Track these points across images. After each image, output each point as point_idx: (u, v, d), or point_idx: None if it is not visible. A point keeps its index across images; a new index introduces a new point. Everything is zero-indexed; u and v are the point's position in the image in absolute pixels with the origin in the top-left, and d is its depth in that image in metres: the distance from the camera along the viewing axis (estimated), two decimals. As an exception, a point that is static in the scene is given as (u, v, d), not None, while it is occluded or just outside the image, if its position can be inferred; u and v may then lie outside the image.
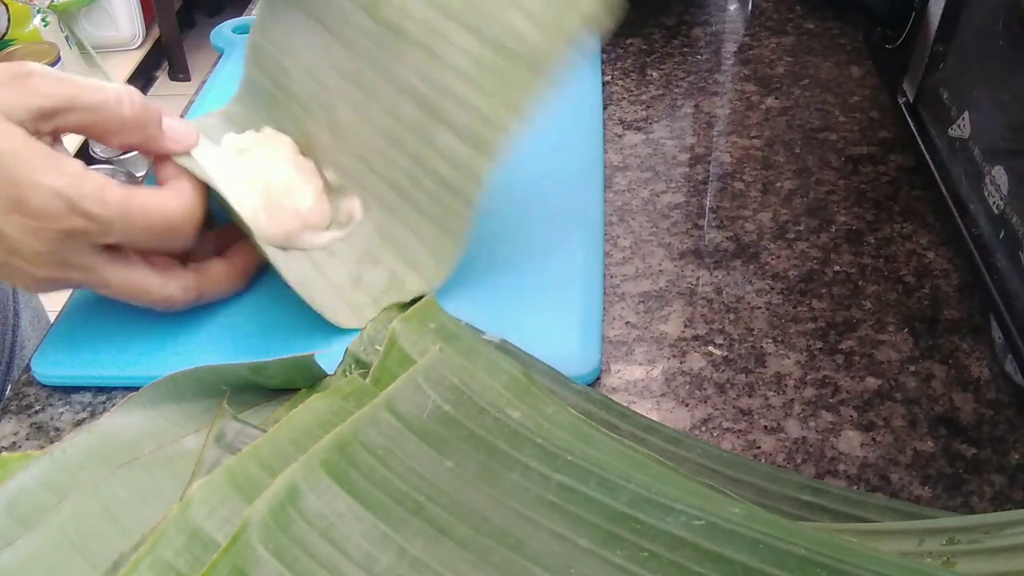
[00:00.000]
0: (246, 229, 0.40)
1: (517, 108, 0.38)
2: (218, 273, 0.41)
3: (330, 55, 0.44)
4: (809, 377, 0.38)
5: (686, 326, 0.40)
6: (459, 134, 0.39)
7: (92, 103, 0.37)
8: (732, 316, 0.41)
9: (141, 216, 0.37)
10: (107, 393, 0.39)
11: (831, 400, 0.37)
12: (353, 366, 0.37)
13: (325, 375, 0.37)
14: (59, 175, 0.35)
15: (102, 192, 0.35)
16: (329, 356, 0.37)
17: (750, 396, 0.37)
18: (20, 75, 0.35)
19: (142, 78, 2.11)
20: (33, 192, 0.34)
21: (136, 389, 0.36)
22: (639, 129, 0.54)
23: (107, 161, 1.75)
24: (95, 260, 0.36)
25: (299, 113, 0.46)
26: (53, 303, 0.69)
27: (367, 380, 0.35)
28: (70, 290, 0.43)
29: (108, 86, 0.38)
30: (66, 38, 1.80)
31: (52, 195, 0.34)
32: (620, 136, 0.53)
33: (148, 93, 2.15)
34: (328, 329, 0.40)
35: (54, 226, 0.35)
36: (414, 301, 0.39)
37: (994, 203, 0.37)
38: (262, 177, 0.42)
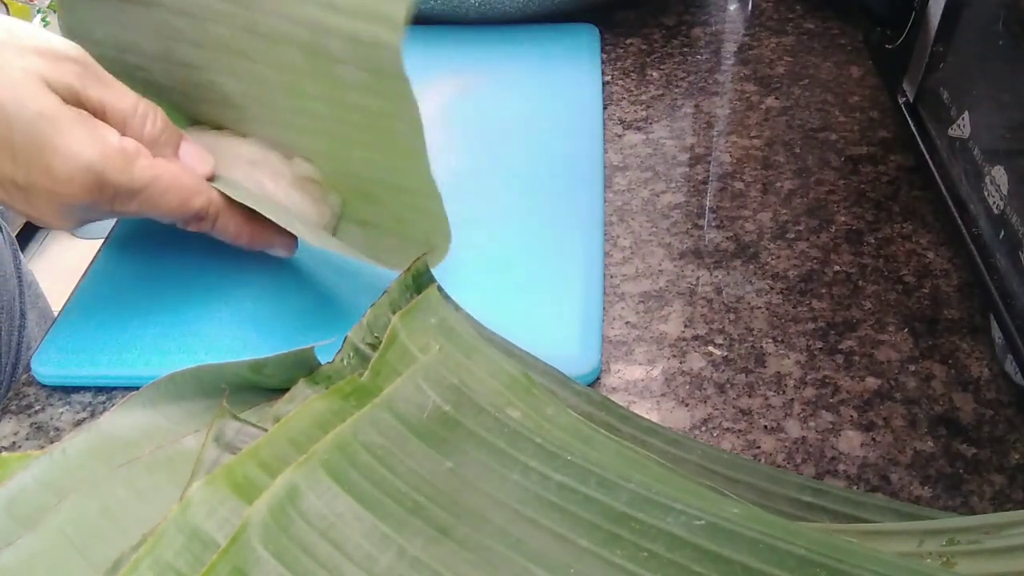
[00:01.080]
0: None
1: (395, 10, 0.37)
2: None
3: (169, 31, 0.42)
4: (809, 377, 0.38)
5: (686, 326, 0.40)
6: (357, 57, 0.39)
7: (120, 110, 0.37)
8: (732, 316, 0.41)
9: (163, 189, 0.38)
10: (107, 393, 0.39)
11: (831, 400, 0.37)
12: (352, 355, 0.37)
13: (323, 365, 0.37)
14: (91, 145, 0.35)
15: (132, 166, 0.36)
16: (328, 350, 0.37)
17: (750, 396, 0.37)
18: (69, 56, 0.36)
19: (142, 78, 2.11)
20: (63, 161, 0.35)
21: (136, 389, 0.36)
22: (639, 129, 0.54)
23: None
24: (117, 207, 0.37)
25: (179, 100, 0.45)
26: (52, 304, 0.69)
27: (366, 372, 0.35)
28: (70, 289, 0.43)
29: (137, 99, 0.38)
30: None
31: (83, 168, 0.35)
32: (620, 136, 0.53)
33: (148, 93, 2.14)
34: (328, 326, 0.40)
35: (79, 195, 0.35)
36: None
37: (994, 203, 0.37)
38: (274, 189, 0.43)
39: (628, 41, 0.62)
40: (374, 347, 0.37)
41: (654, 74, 0.59)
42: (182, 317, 0.41)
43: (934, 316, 0.40)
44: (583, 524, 0.28)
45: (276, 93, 0.41)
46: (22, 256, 0.65)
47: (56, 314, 0.67)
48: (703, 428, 0.36)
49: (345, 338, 0.38)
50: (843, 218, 0.46)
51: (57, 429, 0.37)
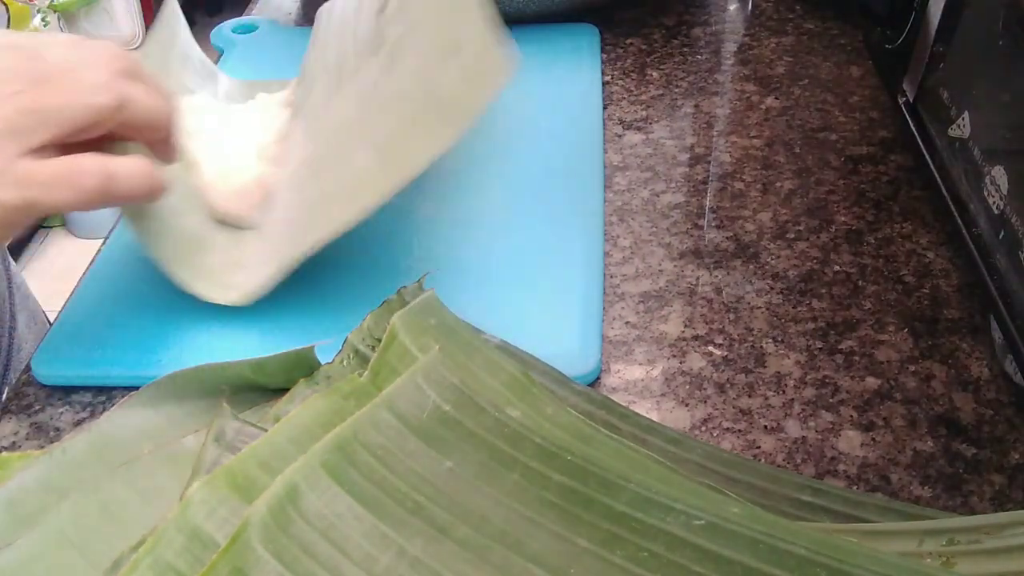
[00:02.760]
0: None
1: (419, 151, 0.38)
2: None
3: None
4: (809, 377, 0.38)
5: (686, 326, 0.40)
6: (371, 153, 0.39)
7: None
8: (732, 316, 0.41)
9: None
10: (107, 393, 0.39)
11: (831, 400, 0.37)
12: (352, 356, 0.37)
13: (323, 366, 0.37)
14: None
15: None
16: (328, 350, 0.37)
17: (750, 396, 0.37)
18: (116, 56, 0.36)
19: (142, 78, 2.11)
20: None
21: (136, 389, 0.36)
22: (639, 129, 0.54)
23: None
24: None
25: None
26: (52, 304, 0.69)
27: (366, 372, 0.35)
28: (69, 289, 0.43)
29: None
30: (66, 38, 1.80)
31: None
32: (620, 136, 0.53)
33: (148, 93, 2.15)
34: (328, 326, 0.40)
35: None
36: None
37: (994, 203, 0.37)
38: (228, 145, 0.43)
39: (628, 41, 0.62)
40: (374, 349, 0.37)
41: (654, 74, 0.59)
42: (182, 317, 0.41)
43: (934, 316, 0.40)
44: (583, 524, 0.28)
45: (330, 117, 0.44)
46: (11, 258, 0.65)
47: (47, 315, 0.67)
48: (703, 428, 0.36)
49: (345, 339, 0.38)
50: (843, 218, 0.46)
51: (57, 429, 0.37)
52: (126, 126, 0.35)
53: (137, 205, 0.39)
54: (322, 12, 0.53)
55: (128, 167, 0.35)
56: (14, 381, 0.40)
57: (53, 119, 0.33)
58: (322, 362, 0.37)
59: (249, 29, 0.62)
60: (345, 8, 0.50)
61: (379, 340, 0.37)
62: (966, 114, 0.40)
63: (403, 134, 0.39)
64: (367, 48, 0.44)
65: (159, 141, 0.38)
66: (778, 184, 0.49)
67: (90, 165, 0.34)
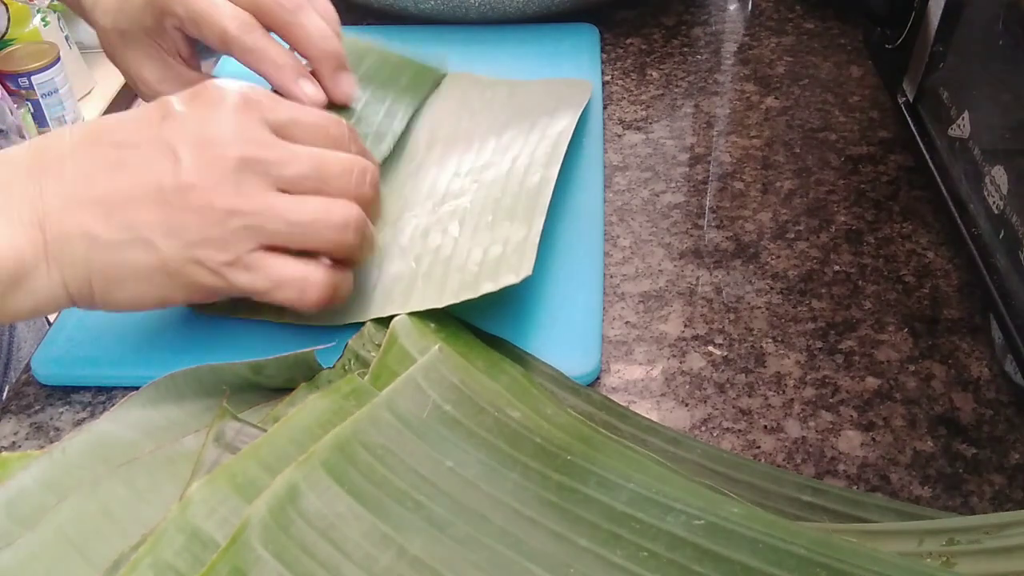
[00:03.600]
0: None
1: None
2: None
3: None
4: (809, 377, 0.38)
5: (686, 326, 0.40)
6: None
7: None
8: (732, 316, 0.41)
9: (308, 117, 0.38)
10: (107, 393, 0.39)
11: (831, 400, 0.37)
12: (352, 361, 0.37)
13: (324, 370, 0.37)
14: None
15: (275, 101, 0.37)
16: (329, 353, 0.37)
17: (750, 396, 0.37)
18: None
19: (142, 78, 2.10)
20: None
21: (136, 389, 0.36)
22: (639, 129, 0.54)
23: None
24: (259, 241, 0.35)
25: None
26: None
27: (367, 377, 0.35)
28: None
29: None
30: (66, 38, 1.80)
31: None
32: (620, 136, 0.53)
33: (148, 93, 2.14)
34: (328, 327, 0.40)
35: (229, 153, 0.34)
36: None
37: (994, 203, 0.37)
38: None
39: (628, 41, 0.62)
40: (375, 354, 0.37)
41: (654, 74, 0.59)
42: (182, 317, 0.41)
43: (934, 316, 0.40)
44: (583, 524, 0.28)
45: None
46: None
47: (48, 315, 0.67)
48: (703, 428, 0.36)
49: (346, 345, 0.38)
50: (843, 218, 0.46)
51: (57, 429, 0.37)
52: (347, 259, 0.37)
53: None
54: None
55: (345, 289, 0.37)
56: (14, 381, 0.40)
57: (299, 234, 0.35)
58: (323, 366, 0.37)
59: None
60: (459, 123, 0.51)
61: (379, 345, 0.37)
62: (966, 114, 0.40)
63: (416, 277, 0.40)
64: (436, 193, 0.45)
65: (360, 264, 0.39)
66: (778, 184, 0.49)
67: (320, 276, 0.36)
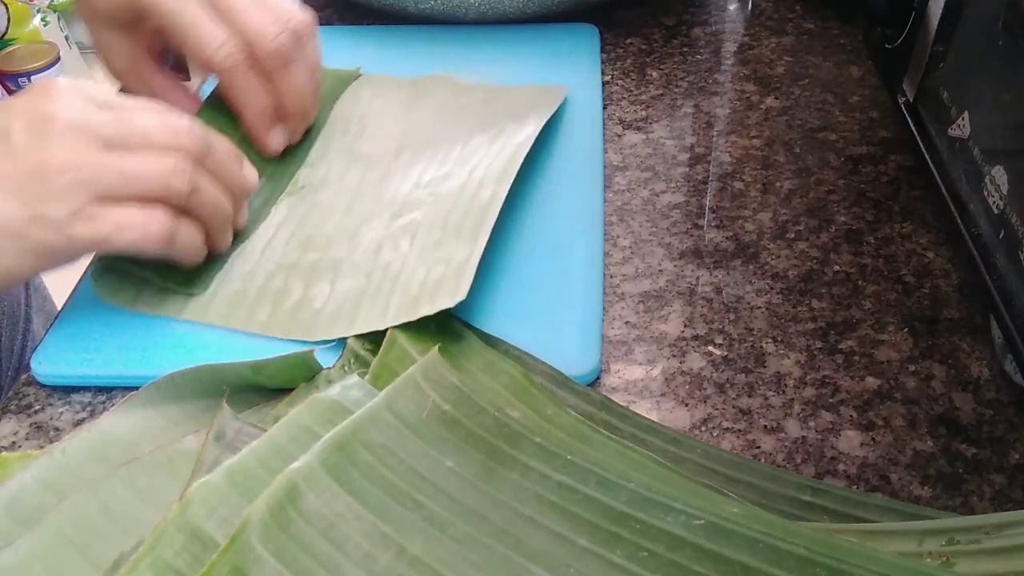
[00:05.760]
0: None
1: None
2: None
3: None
4: (809, 377, 0.38)
5: (686, 326, 0.40)
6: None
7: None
8: (732, 316, 0.41)
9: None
10: (107, 393, 0.39)
11: (831, 400, 0.37)
12: (352, 361, 0.37)
13: (324, 370, 0.37)
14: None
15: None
16: (329, 353, 0.37)
17: (750, 396, 0.37)
18: None
19: (142, 78, 2.11)
20: None
21: (136, 389, 0.36)
22: (639, 129, 0.54)
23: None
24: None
25: None
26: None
27: (367, 377, 0.35)
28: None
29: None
30: (66, 38, 1.80)
31: None
32: (620, 136, 0.53)
33: (148, 93, 2.15)
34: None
35: None
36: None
37: (994, 203, 0.37)
38: None
39: (628, 41, 0.62)
40: (374, 354, 0.37)
41: (654, 74, 0.59)
42: (182, 317, 0.41)
43: (934, 316, 0.40)
44: (583, 524, 0.28)
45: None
46: None
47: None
48: (703, 428, 0.36)
49: (345, 344, 0.38)
50: (843, 218, 0.46)
51: (57, 429, 0.37)
52: (187, 209, 0.39)
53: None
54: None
55: (185, 236, 0.39)
56: (20, 381, 0.40)
57: (129, 182, 0.37)
58: (323, 367, 0.37)
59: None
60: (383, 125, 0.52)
61: (379, 345, 0.37)
62: (966, 114, 0.40)
63: (364, 296, 0.40)
64: (395, 205, 0.45)
65: (213, 230, 0.41)
66: (778, 184, 0.49)
67: (160, 216, 0.37)
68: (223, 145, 0.41)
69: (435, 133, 0.50)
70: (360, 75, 0.56)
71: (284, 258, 0.43)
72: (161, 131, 0.38)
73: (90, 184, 0.36)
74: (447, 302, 0.37)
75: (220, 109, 0.47)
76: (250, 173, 0.43)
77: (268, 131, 0.47)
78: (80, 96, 0.37)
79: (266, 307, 0.40)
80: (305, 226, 0.45)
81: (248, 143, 0.47)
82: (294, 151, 0.50)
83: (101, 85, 0.39)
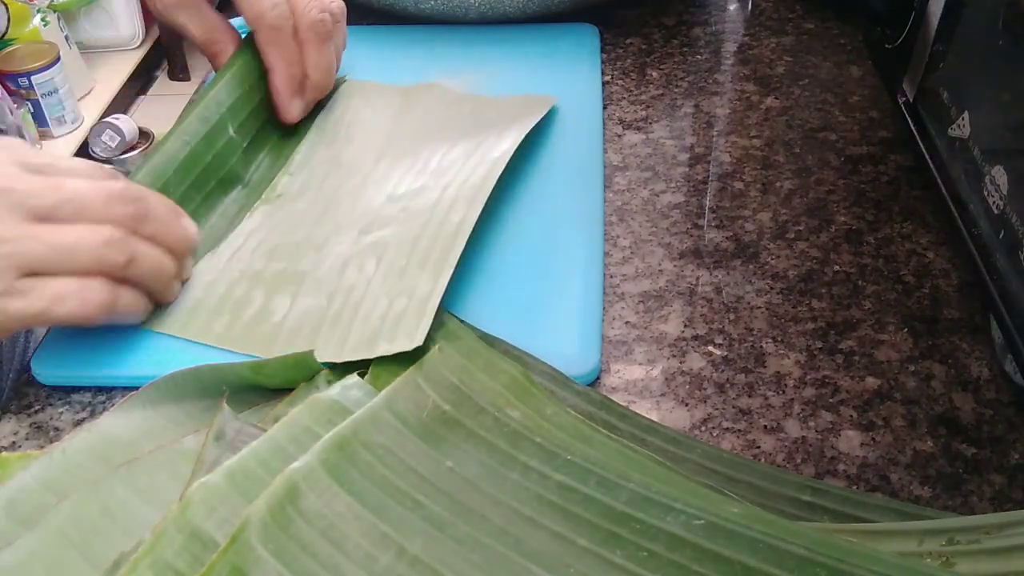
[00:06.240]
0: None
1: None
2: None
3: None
4: (809, 377, 0.38)
5: (686, 326, 0.40)
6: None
7: None
8: (732, 316, 0.41)
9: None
10: (107, 393, 0.39)
11: (831, 400, 0.37)
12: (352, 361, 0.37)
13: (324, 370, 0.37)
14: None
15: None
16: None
17: (750, 396, 0.37)
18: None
19: (142, 78, 2.11)
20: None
21: (136, 389, 0.36)
22: (639, 129, 0.54)
23: (107, 161, 1.75)
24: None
25: None
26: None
27: (366, 377, 0.35)
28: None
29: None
30: (66, 38, 1.80)
31: None
32: (620, 136, 0.53)
33: (148, 93, 2.15)
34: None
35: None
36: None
37: (994, 203, 0.37)
38: None
39: (628, 41, 0.62)
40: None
41: (654, 74, 0.59)
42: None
43: (934, 316, 0.40)
44: (583, 524, 0.28)
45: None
46: None
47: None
48: (703, 428, 0.36)
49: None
50: (843, 218, 0.46)
51: (57, 429, 0.37)
52: (126, 278, 0.37)
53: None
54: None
55: (127, 302, 0.38)
56: (20, 381, 0.40)
57: (62, 257, 0.35)
58: (323, 367, 0.37)
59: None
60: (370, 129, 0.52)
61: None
62: (966, 114, 0.40)
63: (324, 319, 0.39)
64: (366, 218, 0.44)
65: (156, 291, 0.40)
66: (778, 184, 0.49)
67: (98, 286, 0.36)
68: (159, 203, 0.39)
69: (416, 143, 0.49)
70: (345, 82, 0.55)
71: (249, 266, 0.42)
72: (95, 199, 0.36)
73: (19, 259, 0.34)
74: (405, 344, 0.35)
75: (250, 66, 0.49)
76: (189, 226, 0.41)
77: (292, 97, 0.49)
78: (9, 161, 0.35)
79: (224, 318, 0.40)
80: (274, 234, 0.44)
81: (265, 112, 0.49)
82: (275, 159, 0.49)
83: (34, 148, 0.37)
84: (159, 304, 0.40)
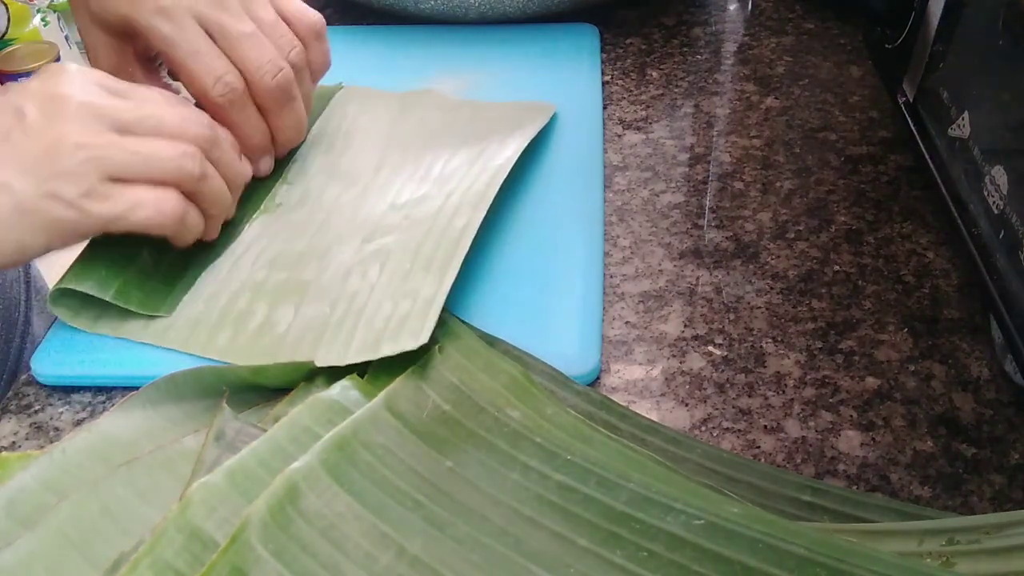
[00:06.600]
0: None
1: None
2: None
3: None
4: (809, 377, 0.38)
5: (686, 326, 0.40)
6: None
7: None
8: (732, 316, 0.41)
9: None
10: (107, 393, 0.39)
11: (831, 400, 0.37)
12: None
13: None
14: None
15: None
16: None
17: (750, 396, 0.37)
18: None
19: (142, 78, 2.11)
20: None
21: (136, 389, 0.36)
22: (639, 129, 0.54)
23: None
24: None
25: None
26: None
27: (366, 377, 0.35)
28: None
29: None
30: (66, 37, 1.80)
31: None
32: (620, 136, 0.53)
33: (148, 93, 2.14)
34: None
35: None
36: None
37: (994, 203, 0.37)
38: None
39: (628, 41, 0.62)
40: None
41: (654, 74, 0.59)
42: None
43: (934, 316, 0.40)
44: (583, 524, 0.28)
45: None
46: (33, 262, 0.65)
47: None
48: (703, 428, 0.36)
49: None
50: (843, 218, 0.46)
51: (57, 429, 0.37)
52: (194, 193, 0.40)
53: None
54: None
55: (193, 218, 0.40)
56: (20, 381, 0.40)
57: (143, 163, 0.37)
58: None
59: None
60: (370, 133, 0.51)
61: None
62: (966, 114, 0.40)
63: (327, 326, 0.39)
64: (368, 226, 0.44)
65: (212, 216, 0.42)
66: (778, 184, 0.49)
67: (173, 197, 0.38)
68: (227, 136, 0.42)
69: (417, 150, 0.49)
70: (341, 88, 0.55)
71: (251, 277, 0.42)
72: (172, 118, 0.39)
73: (104, 163, 0.36)
74: (410, 343, 0.35)
75: None
76: (246, 165, 0.44)
77: (261, 157, 0.46)
78: (93, 82, 0.38)
79: (227, 331, 0.39)
80: (275, 244, 0.44)
81: None
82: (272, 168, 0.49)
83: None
84: (206, 240, 0.42)
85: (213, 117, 0.42)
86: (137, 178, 0.37)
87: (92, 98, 0.37)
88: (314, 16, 0.46)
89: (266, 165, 0.47)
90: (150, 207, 0.37)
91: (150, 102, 0.39)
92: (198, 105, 0.43)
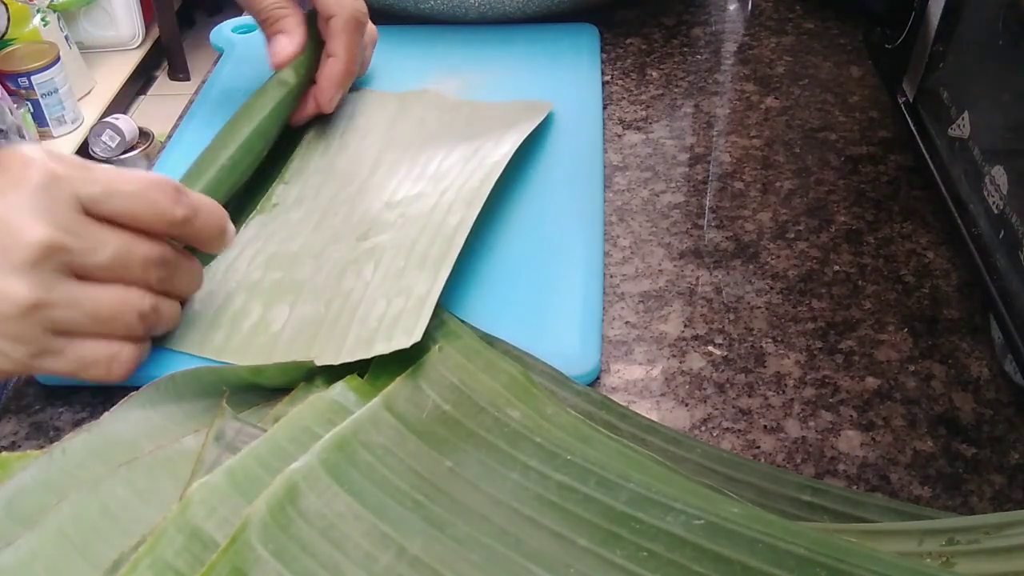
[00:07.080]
0: None
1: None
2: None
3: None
4: (809, 377, 0.38)
5: (686, 326, 0.40)
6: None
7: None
8: (732, 316, 0.41)
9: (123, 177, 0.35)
10: (107, 393, 0.39)
11: (831, 400, 0.37)
12: (352, 361, 0.37)
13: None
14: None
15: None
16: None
17: (750, 396, 0.37)
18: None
19: (142, 78, 2.11)
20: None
21: (136, 389, 0.35)
22: (639, 129, 0.54)
23: (107, 161, 1.75)
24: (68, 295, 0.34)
25: None
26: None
27: (366, 377, 0.35)
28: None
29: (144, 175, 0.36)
30: (66, 38, 1.80)
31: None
32: (620, 136, 0.53)
33: (148, 93, 2.15)
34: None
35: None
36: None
37: (994, 203, 0.37)
38: None
39: (628, 41, 0.62)
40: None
41: (654, 74, 0.59)
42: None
43: (934, 316, 0.40)
44: (583, 524, 0.28)
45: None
46: None
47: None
48: (703, 428, 0.36)
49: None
50: (843, 218, 0.46)
51: (57, 429, 0.37)
52: (150, 311, 0.37)
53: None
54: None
55: (144, 353, 0.37)
56: (20, 381, 0.40)
57: (93, 323, 0.34)
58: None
59: (249, 29, 0.62)
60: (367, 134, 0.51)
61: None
62: (966, 114, 0.40)
63: (322, 324, 0.38)
64: (363, 225, 0.44)
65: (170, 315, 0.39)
66: (778, 184, 0.49)
67: (127, 352, 0.36)
68: (203, 226, 0.37)
69: (413, 149, 0.49)
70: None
71: (246, 277, 0.42)
72: (137, 263, 0.35)
73: (56, 323, 0.33)
74: (403, 342, 0.35)
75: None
76: (196, 265, 0.39)
77: (338, 89, 0.51)
78: (61, 195, 0.33)
79: (222, 331, 0.39)
80: (271, 244, 0.44)
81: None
82: (270, 169, 0.49)
83: (68, 157, 0.35)
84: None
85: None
86: (89, 335, 0.35)
87: (54, 236, 0.32)
88: None
89: (336, 101, 0.51)
90: (100, 367, 0.35)
91: (133, 214, 0.35)
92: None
